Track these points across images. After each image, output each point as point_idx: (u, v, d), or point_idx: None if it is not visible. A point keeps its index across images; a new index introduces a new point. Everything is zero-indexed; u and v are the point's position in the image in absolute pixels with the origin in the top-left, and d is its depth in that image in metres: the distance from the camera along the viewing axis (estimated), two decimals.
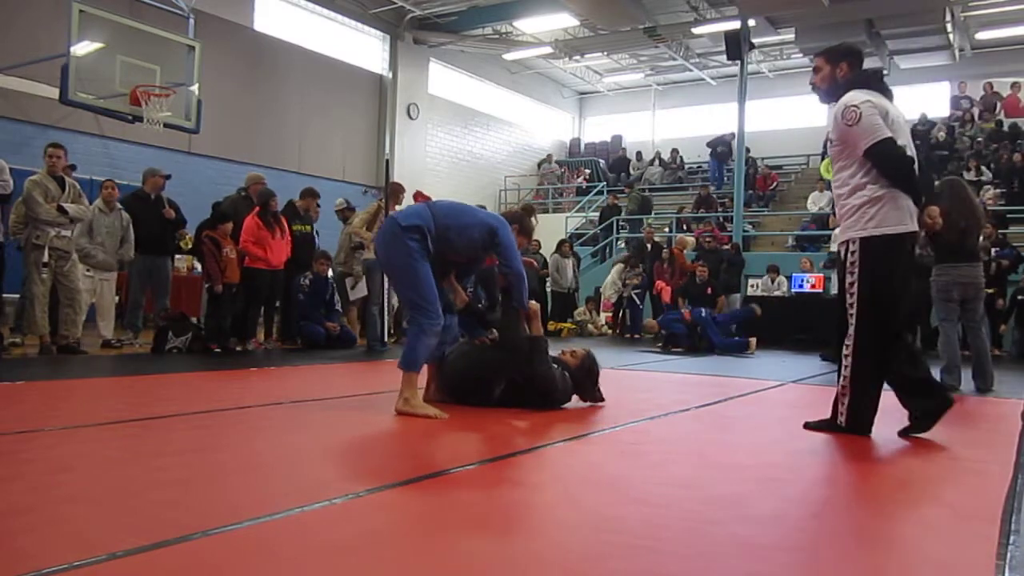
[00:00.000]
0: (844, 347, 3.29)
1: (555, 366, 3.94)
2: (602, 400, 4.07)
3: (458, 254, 3.77)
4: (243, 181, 8.21)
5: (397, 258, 3.60)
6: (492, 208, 18.91)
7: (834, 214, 10.86)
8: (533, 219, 4.43)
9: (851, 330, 3.26)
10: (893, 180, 3.22)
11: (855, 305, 3.25)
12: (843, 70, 3.39)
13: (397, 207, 7.87)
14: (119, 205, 6.99)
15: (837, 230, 3.38)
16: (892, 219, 3.21)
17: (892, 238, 3.21)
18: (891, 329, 3.26)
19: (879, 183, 3.21)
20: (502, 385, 3.87)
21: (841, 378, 3.31)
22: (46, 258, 6.01)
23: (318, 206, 8.42)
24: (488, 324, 3.97)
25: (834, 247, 3.57)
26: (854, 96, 3.26)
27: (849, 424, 3.30)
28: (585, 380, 4.04)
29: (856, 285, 3.25)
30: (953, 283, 5.40)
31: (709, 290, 10.22)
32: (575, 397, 4.02)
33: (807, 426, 3.46)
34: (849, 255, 3.28)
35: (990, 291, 9.63)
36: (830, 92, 3.43)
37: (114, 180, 7.26)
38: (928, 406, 3.33)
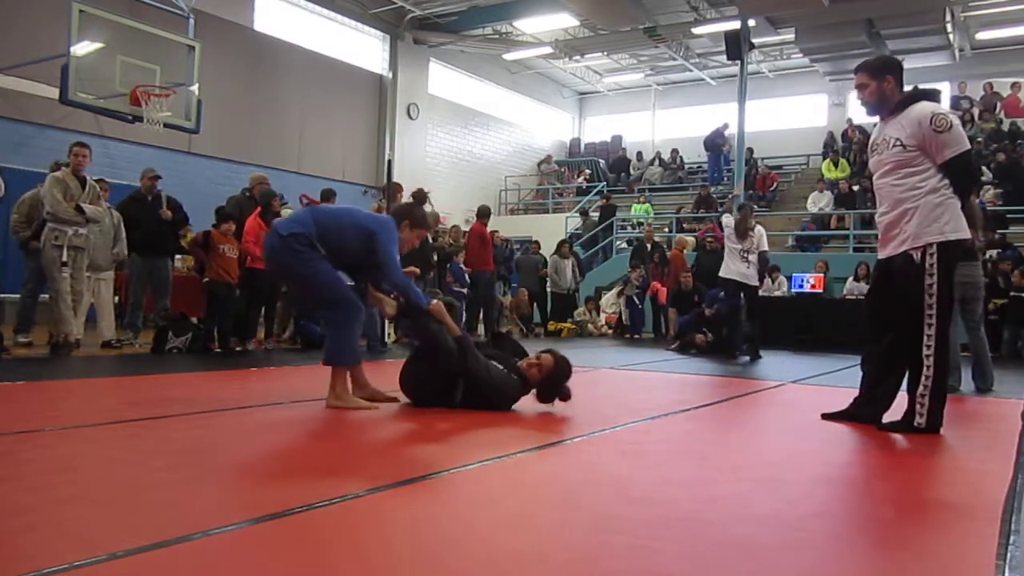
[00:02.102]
0: (925, 348, 3.34)
1: (498, 366, 3.77)
2: (567, 398, 3.83)
3: (349, 257, 3.69)
4: (246, 181, 8.20)
5: (293, 266, 3.60)
6: (492, 208, 18.92)
7: (836, 214, 10.55)
8: (426, 206, 4.19)
9: (931, 331, 3.33)
10: (961, 190, 3.37)
11: (934, 307, 3.33)
12: (890, 82, 3.49)
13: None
14: (109, 204, 7.01)
15: (905, 232, 3.38)
16: (962, 225, 3.36)
17: (961, 243, 3.37)
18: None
19: (949, 188, 3.33)
20: (461, 388, 3.74)
21: (923, 379, 3.35)
22: (64, 257, 6.03)
23: None
24: (429, 314, 3.77)
25: (885, 253, 3.56)
26: (936, 105, 3.38)
27: (929, 424, 3.35)
28: (549, 389, 3.82)
29: (935, 287, 3.32)
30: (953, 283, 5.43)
31: (696, 298, 10.11)
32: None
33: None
34: (928, 257, 3.33)
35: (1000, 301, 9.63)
36: (880, 105, 3.53)
37: (109, 180, 7.30)
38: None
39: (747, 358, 7.73)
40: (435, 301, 3.87)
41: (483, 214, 10.31)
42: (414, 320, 3.82)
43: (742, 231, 7.66)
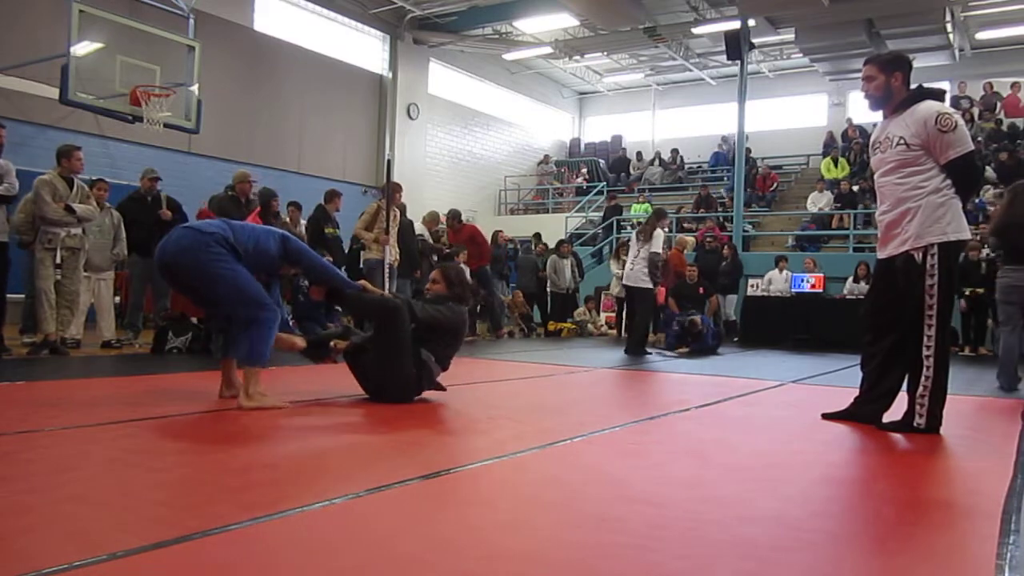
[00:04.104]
0: (925, 349, 3.35)
1: (434, 306, 4.04)
2: (477, 296, 4.25)
3: (264, 263, 3.74)
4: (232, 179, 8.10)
5: (210, 266, 3.51)
6: (492, 208, 18.96)
7: (834, 213, 10.59)
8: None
9: (931, 332, 3.34)
10: (964, 190, 3.38)
11: (935, 307, 3.33)
12: (898, 79, 3.48)
13: (396, 208, 7.87)
14: (108, 204, 7.01)
15: (907, 232, 3.39)
16: (963, 225, 3.36)
17: (962, 243, 3.39)
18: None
19: (951, 189, 3.34)
20: (426, 375, 3.95)
21: (923, 379, 3.36)
22: (58, 260, 6.02)
23: None
24: (363, 289, 4.03)
25: (885, 252, 3.58)
26: (941, 105, 3.38)
27: (929, 424, 3.37)
28: (463, 291, 4.20)
29: (936, 288, 3.33)
30: (1008, 285, 5.45)
31: (701, 290, 10.29)
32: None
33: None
34: (929, 258, 3.33)
35: (980, 291, 9.65)
36: (884, 100, 3.52)
37: (109, 180, 7.30)
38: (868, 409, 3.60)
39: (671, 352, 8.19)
40: (362, 281, 4.18)
41: (457, 216, 10.50)
42: (350, 301, 4.02)
43: (647, 234, 8.00)
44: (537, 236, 13.98)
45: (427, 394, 4.11)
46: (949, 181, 3.33)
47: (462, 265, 10.33)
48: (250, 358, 3.61)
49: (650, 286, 7.97)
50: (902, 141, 3.38)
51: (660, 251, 7.99)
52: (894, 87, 3.47)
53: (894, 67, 3.49)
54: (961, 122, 3.34)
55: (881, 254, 3.57)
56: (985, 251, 10.12)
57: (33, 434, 2.81)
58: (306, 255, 3.89)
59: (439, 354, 4.01)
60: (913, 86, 3.53)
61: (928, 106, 3.36)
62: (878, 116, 3.64)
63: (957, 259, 3.44)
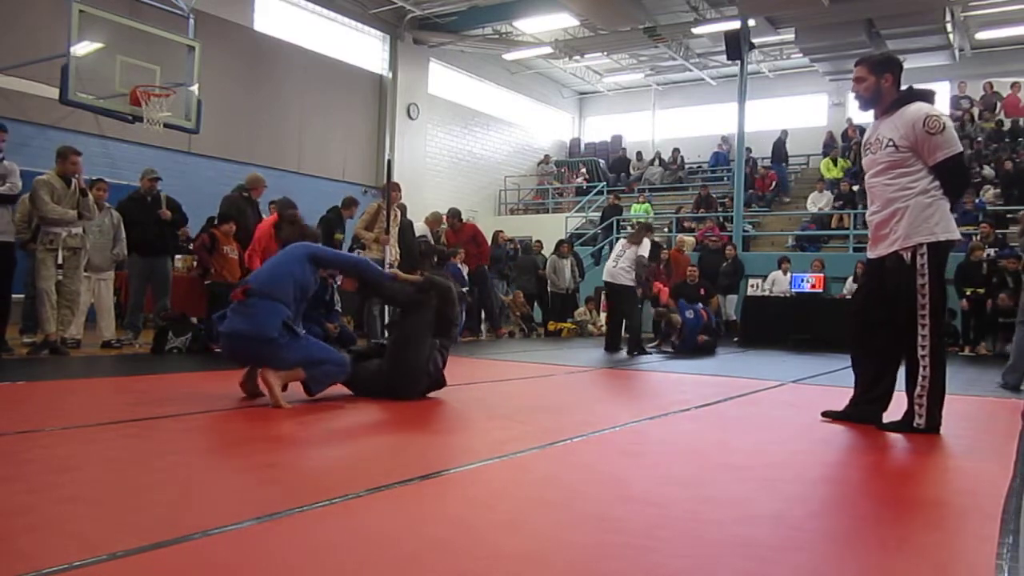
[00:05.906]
0: (920, 349, 3.36)
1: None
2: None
3: (311, 291, 4.08)
4: (244, 181, 8.14)
5: (283, 353, 3.76)
6: (492, 208, 18.96)
7: (831, 214, 10.61)
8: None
9: (925, 331, 3.35)
10: (953, 191, 3.39)
11: (927, 307, 3.35)
12: (888, 80, 3.50)
13: (396, 207, 7.88)
14: (108, 204, 7.01)
15: (896, 232, 3.40)
16: (952, 226, 3.38)
17: (951, 243, 3.40)
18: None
19: (940, 190, 3.35)
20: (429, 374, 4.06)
21: (920, 379, 3.37)
22: (60, 260, 6.02)
23: None
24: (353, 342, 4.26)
25: (876, 252, 3.60)
26: (930, 107, 3.39)
27: (928, 424, 3.37)
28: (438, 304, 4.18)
29: (927, 287, 3.34)
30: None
31: (702, 291, 10.31)
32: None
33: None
34: (919, 257, 3.35)
35: (981, 291, 9.64)
36: (874, 101, 3.53)
37: (108, 180, 7.32)
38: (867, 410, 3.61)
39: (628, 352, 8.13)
40: (394, 271, 4.46)
41: (458, 215, 10.55)
42: (386, 292, 4.31)
43: (637, 240, 8.24)
44: (513, 243, 14.07)
45: (428, 394, 4.12)
46: (938, 182, 3.35)
47: (460, 265, 10.36)
48: (313, 378, 3.86)
49: (633, 284, 8.21)
50: (891, 143, 3.40)
51: (646, 255, 8.26)
52: (884, 88, 3.49)
53: (884, 68, 3.51)
54: (949, 124, 3.36)
55: (871, 254, 3.60)
56: (987, 251, 10.12)
57: (33, 434, 2.81)
58: (339, 259, 4.32)
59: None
60: (909, 86, 3.54)
61: (917, 108, 3.37)
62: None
63: (946, 259, 3.45)
